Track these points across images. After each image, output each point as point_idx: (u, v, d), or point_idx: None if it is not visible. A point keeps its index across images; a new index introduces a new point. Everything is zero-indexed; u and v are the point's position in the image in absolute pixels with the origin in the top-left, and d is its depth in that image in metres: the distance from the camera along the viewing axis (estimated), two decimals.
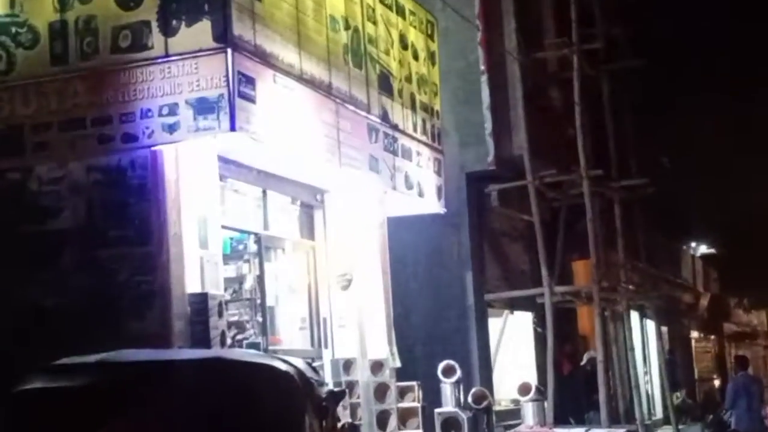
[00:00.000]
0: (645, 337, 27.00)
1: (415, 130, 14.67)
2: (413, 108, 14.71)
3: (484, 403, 15.02)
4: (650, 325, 27.26)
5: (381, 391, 13.64)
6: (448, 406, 13.90)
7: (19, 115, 10.69)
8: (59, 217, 10.49)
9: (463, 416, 13.83)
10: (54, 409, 6.11)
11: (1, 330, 10.02)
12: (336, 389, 9.64)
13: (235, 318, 11.94)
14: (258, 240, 12.77)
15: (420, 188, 14.71)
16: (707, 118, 33.29)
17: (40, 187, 10.59)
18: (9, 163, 10.71)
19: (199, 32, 10.25)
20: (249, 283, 12.63)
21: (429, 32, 15.58)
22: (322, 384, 7.19)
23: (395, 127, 14.00)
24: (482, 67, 18.66)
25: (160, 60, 10.36)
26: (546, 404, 16.85)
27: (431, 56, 15.61)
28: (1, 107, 10.78)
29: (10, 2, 10.90)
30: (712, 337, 37.79)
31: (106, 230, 10.43)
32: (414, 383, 14.02)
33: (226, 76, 10.17)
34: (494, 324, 19.79)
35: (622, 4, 24.10)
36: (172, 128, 10.31)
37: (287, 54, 11.30)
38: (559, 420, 17.01)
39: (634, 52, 23.24)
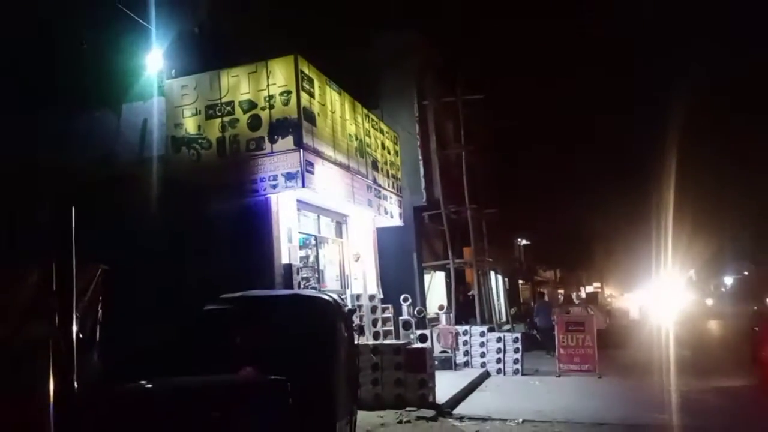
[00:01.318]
0: (497, 283, 27.06)
1: (389, 186, 14.75)
2: (388, 176, 14.79)
3: (423, 314, 15.05)
4: (500, 278, 27.37)
5: (373, 309, 13.69)
6: (405, 316, 13.92)
7: (204, 184, 10.60)
8: (223, 229, 10.43)
9: (412, 320, 13.84)
10: (222, 318, 6.12)
11: (188, 290, 9.84)
12: (352, 308, 9.66)
13: (305, 275, 11.95)
14: (316, 238, 12.83)
15: (391, 214, 14.79)
16: (535, 173, 33.40)
17: (214, 215, 10.48)
18: (199, 206, 10.49)
19: (288, 141, 10.35)
20: (311, 258, 12.66)
21: (395, 141, 15.69)
22: (346, 305, 7.26)
23: (380, 186, 14.08)
24: (420, 158, 18.72)
25: (268, 155, 10.43)
26: (451, 315, 16.89)
27: (396, 152, 15.70)
28: (195, 181, 10.61)
29: (198, 128, 10.94)
30: (528, 282, 37.79)
31: (246, 236, 10.45)
32: (389, 305, 14.06)
33: (300, 162, 10.25)
34: (427, 277, 19.86)
35: (488, 117, 24.01)
36: (274, 187, 10.39)
37: (328, 151, 11.39)
38: (457, 322, 17.05)
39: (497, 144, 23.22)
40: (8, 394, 2.89)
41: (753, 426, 9.06)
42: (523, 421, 9.31)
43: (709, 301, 47.75)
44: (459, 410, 10.26)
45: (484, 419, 9.55)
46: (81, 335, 4.78)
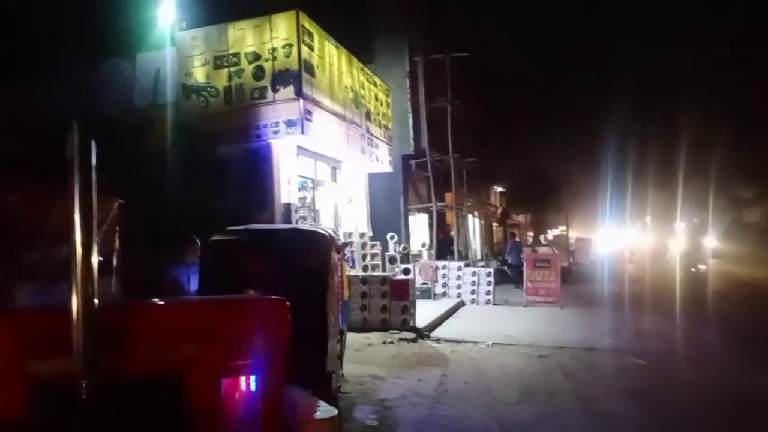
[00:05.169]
0: (474, 225, 27.23)
1: (380, 136, 14.62)
2: (380, 126, 14.65)
3: (407, 250, 15.21)
4: (477, 221, 27.53)
5: (363, 245, 13.83)
6: (391, 251, 14.07)
7: (212, 129, 10.55)
8: (229, 170, 10.46)
9: (397, 255, 14.00)
10: (226, 248, 6.11)
11: (198, 219, 9.92)
12: (345, 242, 9.74)
13: (302, 214, 11.94)
14: (312, 181, 12.76)
15: (382, 161, 14.73)
16: (513, 125, 33.00)
17: (221, 158, 10.54)
18: (207, 149, 10.51)
19: (289, 91, 10.21)
20: (308, 199, 12.62)
21: (387, 94, 15.48)
22: (339, 240, 7.26)
23: (372, 135, 13.96)
24: (409, 110, 18.51)
25: (271, 103, 10.30)
26: (432, 251, 17.06)
27: (388, 104, 15.50)
28: (204, 125, 10.61)
29: (206, 77, 10.75)
30: (502, 225, 38.01)
31: (250, 177, 10.45)
32: (377, 242, 14.19)
33: (300, 110, 10.14)
34: (412, 219, 19.93)
35: (475, 77, 23.70)
36: (276, 133, 10.30)
37: (326, 101, 11.26)
38: (437, 258, 17.23)
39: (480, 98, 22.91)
40: (37, 309, 2.94)
41: (688, 343, 9.33)
42: (493, 343, 9.56)
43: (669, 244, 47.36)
44: (436, 333, 10.51)
45: (458, 341, 9.79)
46: (101, 260, 4.79)
